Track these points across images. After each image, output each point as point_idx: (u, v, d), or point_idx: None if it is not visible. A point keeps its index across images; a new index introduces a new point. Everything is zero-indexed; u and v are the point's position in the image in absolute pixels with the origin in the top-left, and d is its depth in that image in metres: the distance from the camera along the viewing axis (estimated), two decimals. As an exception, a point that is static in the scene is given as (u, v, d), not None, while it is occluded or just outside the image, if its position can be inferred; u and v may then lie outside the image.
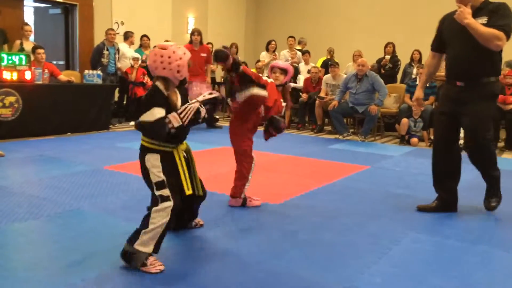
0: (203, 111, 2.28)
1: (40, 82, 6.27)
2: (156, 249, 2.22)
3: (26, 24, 7.23)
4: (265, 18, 12.41)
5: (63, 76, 6.85)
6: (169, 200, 2.21)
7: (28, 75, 6.02)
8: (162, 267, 2.20)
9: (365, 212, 3.29)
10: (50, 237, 2.66)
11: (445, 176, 3.36)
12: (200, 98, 2.35)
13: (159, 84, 2.28)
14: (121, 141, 6.01)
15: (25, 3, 8.06)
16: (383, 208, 3.41)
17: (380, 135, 7.65)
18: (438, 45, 3.38)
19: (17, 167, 4.42)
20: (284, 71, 3.36)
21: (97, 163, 4.55)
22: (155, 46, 2.31)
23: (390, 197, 3.73)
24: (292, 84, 8.27)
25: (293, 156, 5.40)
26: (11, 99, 5.77)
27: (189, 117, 2.23)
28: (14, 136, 5.78)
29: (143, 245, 2.19)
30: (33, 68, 6.16)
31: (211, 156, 5.23)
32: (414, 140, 6.76)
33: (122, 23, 9.19)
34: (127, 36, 8.26)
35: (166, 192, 2.23)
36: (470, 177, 4.59)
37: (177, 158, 2.34)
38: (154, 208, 2.21)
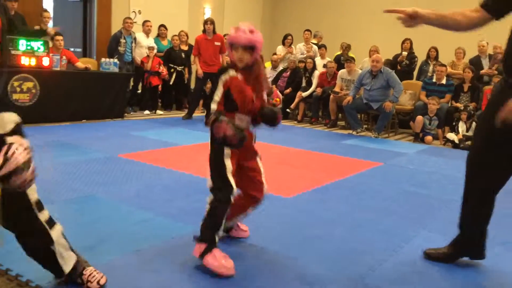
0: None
1: (58, 69, 6.34)
2: None
3: (45, 10, 7.29)
4: (282, 10, 12.34)
5: (80, 64, 6.91)
6: None
7: (46, 61, 6.08)
8: None
9: (377, 209, 3.28)
10: (64, 222, 2.66)
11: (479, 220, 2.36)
12: None
13: None
14: (135, 129, 6.05)
15: (44, -11, 8.12)
16: (396, 206, 3.39)
17: (394, 132, 7.59)
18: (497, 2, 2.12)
19: (33, 152, 4.48)
20: (248, 48, 2.28)
21: (112, 151, 4.59)
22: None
23: (402, 195, 3.71)
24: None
25: (306, 150, 5.39)
26: (29, 84, 5.84)
27: None
28: (30, 121, 5.84)
29: None
30: (51, 54, 6.23)
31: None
32: (429, 138, 6.70)
33: (140, 12, 9.22)
34: (143, 25, 8.30)
35: None
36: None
37: None
38: None
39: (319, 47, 9.14)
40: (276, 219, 2.93)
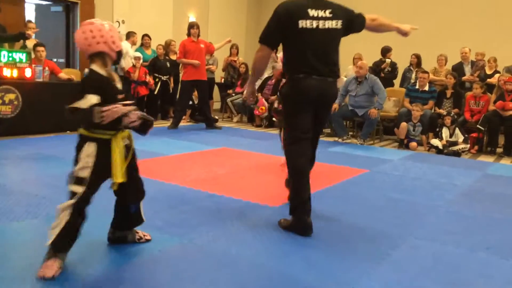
0: (127, 119, 2.14)
1: (41, 80, 6.27)
2: (55, 247, 2.14)
3: (30, 21, 7.22)
4: (266, 19, 12.37)
5: (64, 74, 6.84)
6: (74, 197, 2.17)
7: (28, 73, 6.01)
8: (49, 274, 2.07)
9: (364, 216, 3.29)
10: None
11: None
12: (139, 113, 2.21)
13: (94, 66, 2.23)
14: (120, 140, 5.99)
15: (26, 0, 8.04)
16: (382, 213, 3.41)
17: (379, 138, 7.65)
18: None
19: (15, 165, 4.41)
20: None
21: (96, 162, 4.53)
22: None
23: (388, 202, 3.73)
24: None
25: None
26: (11, 96, 5.76)
27: (108, 118, 2.08)
28: (13, 133, 5.77)
29: (50, 236, 2.15)
30: (33, 65, 6.15)
31: (210, 157, 5.22)
32: (413, 144, 6.77)
33: (123, 22, 9.19)
34: (129, 36, 8.26)
35: (79, 189, 2.17)
36: (469, 181, 4.60)
37: (114, 146, 2.23)
38: (60, 205, 2.18)
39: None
40: (263, 228, 2.92)
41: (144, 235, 2.59)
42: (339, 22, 2.90)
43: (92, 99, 2.10)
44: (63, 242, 2.15)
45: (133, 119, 2.14)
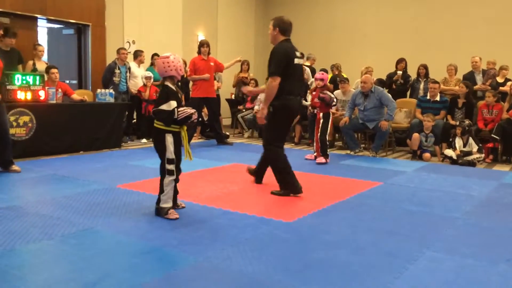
0: (194, 116, 3.35)
1: (54, 102, 6.36)
2: (173, 204, 3.45)
3: (39, 44, 7.36)
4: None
5: (76, 95, 6.94)
6: (173, 174, 3.39)
7: (42, 95, 6.10)
8: (177, 216, 3.35)
9: (380, 229, 3.25)
10: (64, 258, 2.66)
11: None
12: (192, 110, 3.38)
13: (168, 83, 3.40)
14: (133, 159, 6.03)
15: (38, 24, 8.21)
16: (398, 226, 3.37)
17: (391, 150, 7.60)
18: None
19: (31, 187, 4.45)
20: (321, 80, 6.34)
21: (110, 182, 4.57)
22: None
23: (404, 214, 3.68)
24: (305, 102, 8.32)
25: (305, 172, 5.37)
26: (25, 118, 5.84)
27: (183, 115, 3.30)
28: (28, 155, 5.84)
29: (165, 203, 3.39)
30: (47, 87, 6.25)
31: (222, 174, 5.22)
32: (427, 155, 6.70)
33: (134, 42, 9.32)
34: (137, 55, 8.35)
35: (172, 167, 3.37)
36: (486, 192, 4.53)
37: (183, 135, 3.43)
38: (164, 181, 3.38)
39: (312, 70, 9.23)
40: (278, 244, 2.90)
41: (180, 203, 3.67)
42: (302, 60, 4.47)
43: (174, 103, 3.30)
44: (173, 199, 3.46)
45: (195, 118, 3.36)
